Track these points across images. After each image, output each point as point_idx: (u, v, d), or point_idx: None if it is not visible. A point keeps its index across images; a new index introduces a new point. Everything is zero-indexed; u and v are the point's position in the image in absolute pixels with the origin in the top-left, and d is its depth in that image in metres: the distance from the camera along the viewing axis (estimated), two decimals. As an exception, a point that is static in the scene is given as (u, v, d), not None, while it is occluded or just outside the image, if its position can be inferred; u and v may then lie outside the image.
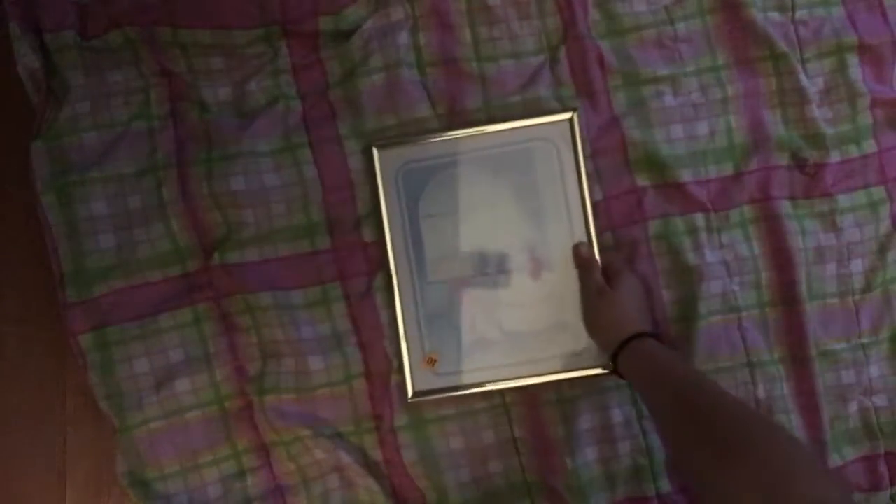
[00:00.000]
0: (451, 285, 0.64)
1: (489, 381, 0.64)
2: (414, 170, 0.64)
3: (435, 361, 0.64)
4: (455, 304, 0.64)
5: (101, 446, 0.64)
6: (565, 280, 0.64)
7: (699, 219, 0.62)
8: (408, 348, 0.63)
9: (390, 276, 0.63)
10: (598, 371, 0.63)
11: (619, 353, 0.56)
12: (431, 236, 0.64)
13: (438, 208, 0.65)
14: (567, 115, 0.63)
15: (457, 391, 0.64)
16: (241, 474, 0.61)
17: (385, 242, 0.63)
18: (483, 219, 0.65)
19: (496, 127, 0.63)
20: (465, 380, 0.64)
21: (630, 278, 0.61)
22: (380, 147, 0.63)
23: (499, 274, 0.64)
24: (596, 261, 0.63)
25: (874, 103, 0.63)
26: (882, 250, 0.62)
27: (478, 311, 0.64)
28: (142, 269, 0.60)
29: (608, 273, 0.62)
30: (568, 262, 0.64)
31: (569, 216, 0.64)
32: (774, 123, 0.63)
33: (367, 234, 0.62)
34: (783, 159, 0.63)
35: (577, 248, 0.63)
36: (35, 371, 0.65)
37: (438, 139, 0.64)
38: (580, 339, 0.63)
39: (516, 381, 0.64)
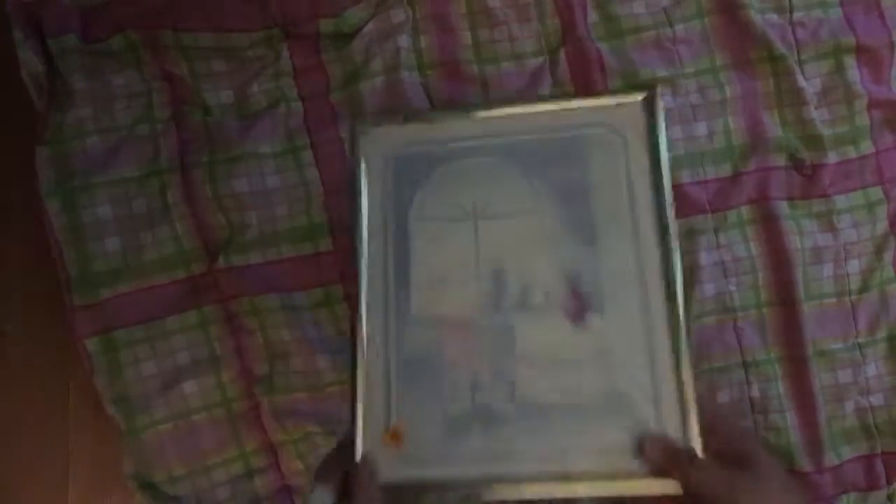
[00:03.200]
0: (444, 324, 0.45)
1: (482, 482, 0.42)
2: (412, 157, 0.48)
3: (400, 438, 0.43)
4: (445, 352, 0.44)
5: (104, 447, 0.64)
6: (623, 329, 0.43)
7: (697, 220, 0.62)
8: (364, 413, 0.44)
9: (357, 305, 0.46)
10: (670, 490, 0.41)
11: None
12: (423, 249, 0.46)
13: (438, 210, 0.47)
14: (642, 95, 0.46)
15: (428, 490, 0.43)
16: (249, 475, 0.62)
17: (357, 254, 0.46)
18: (503, 230, 0.46)
19: (538, 107, 0.47)
20: (447, 472, 0.43)
21: (768, 459, 0.42)
22: (366, 123, 0.48)
23: (519, 311, 0.44)
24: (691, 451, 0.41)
25: (872, 104, 0.63)
26: (879, 251, 0.63)
27: (480, 364, 0.44)
28: (147, 273, 0.60)
29: (719, 443, 0.43)
30: (630, 303, 0.44)
31: (635, 235, 0.44)
32: (772, 124, 0.63)
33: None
34: (781, 160, 0.63)
35: (645, 445, 0.42)
36: (38, 373, 0.65)
37: (451, 118, 0.48)
38: (642, 423, 0.42)
39: (528, 486, 0.42)
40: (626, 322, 0.44)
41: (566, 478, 0.42)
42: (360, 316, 0.45)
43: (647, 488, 0.42)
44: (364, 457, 0.44)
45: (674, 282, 0.43)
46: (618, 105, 0.47)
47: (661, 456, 0.42)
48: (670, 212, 0.44)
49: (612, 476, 0.42)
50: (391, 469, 0.43)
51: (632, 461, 0.42)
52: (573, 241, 0.46)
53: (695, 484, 0.41)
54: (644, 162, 0.46)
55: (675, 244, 0.44)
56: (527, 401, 0.44)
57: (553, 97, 0.50)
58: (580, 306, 0.45)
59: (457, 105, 0.53)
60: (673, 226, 0.44)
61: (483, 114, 0.48)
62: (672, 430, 0.43)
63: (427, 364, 0.45)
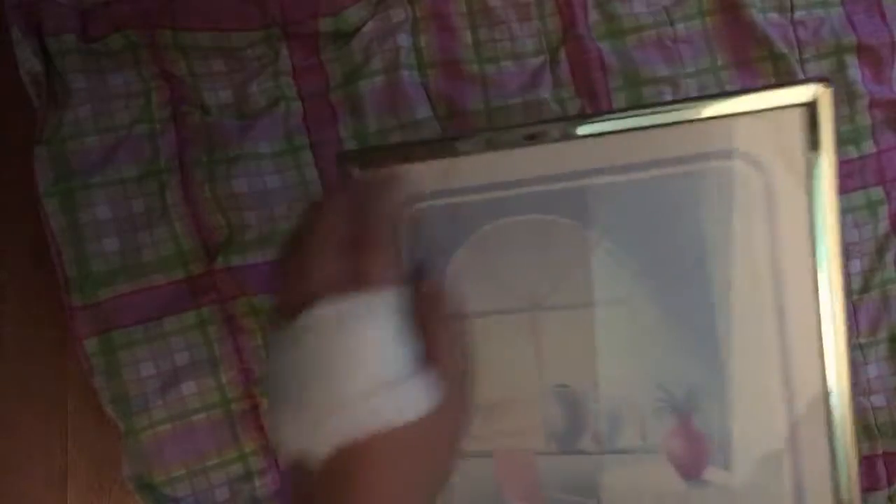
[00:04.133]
0: (498, 465, 0.32)
1: None
2: (434, 214, 0.34)
3: None
4: (505, 498, 0.32)
5: (102, 447, 0.64)
6: (762, 495, 0.29)
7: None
8: None
9: None
10: None
11: None
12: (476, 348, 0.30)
13: (478, 298, 0.33)
14: (803, 94, 0.29)
15: None
16: (249, 476, 0.61)
17: None
18: (574, 329, 0.31)
19: (618, 122, 0.31)
20: None
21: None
22: (357, 160, 0.34)
23: (602, 451, 0.31)
24: None
25: (873, 104, 0.63)
26: (880, 251, 0.63)
27: None
28: (146, 273, 0.60)
29: None
30: (771, 452, 0.29)
31: (781, 334, 0.29)
32: (773, 124, 0.63)
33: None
34: (782, 160, 0.63)
35: None
36: (36, 373, 0.65)
37: (482, 153, 0.33)
38: None
39: None
40: (764, 479, 0.28)
41: None
42: None
43: None
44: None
45: (844, 422, 0.28)
46: (761, 116, 0.29)
47: None
48: (841, 288, 0.28)
49: None
50: None
51: None
52: (684, 348, 0.29)
53: None
54: (801, 214, 0.29)
55: (844, 344, 0.28)
56: None
57: (672, 103, 0.31)
58: (695, 454, 0.30)
59: (495, 128, 0.34)
60: (846, 311, 0.28)
61: (534, 146, 0.31)
62: None
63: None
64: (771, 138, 0.29)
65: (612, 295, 0.30)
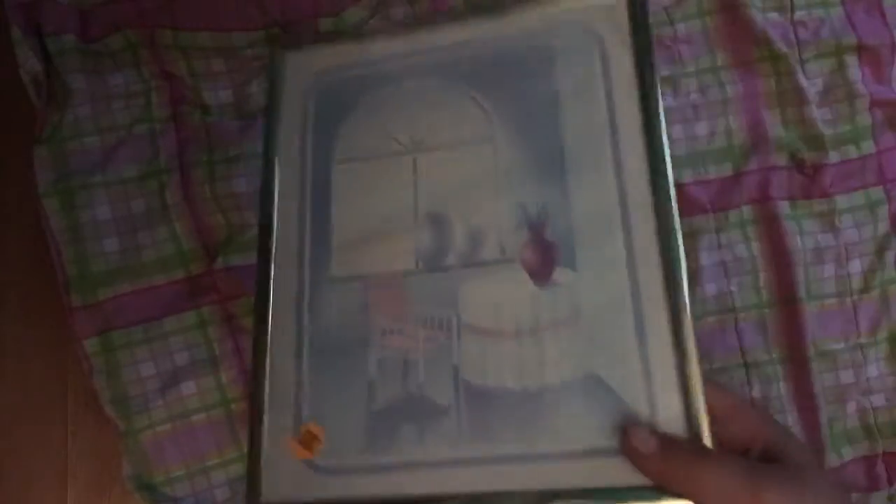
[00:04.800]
0: (369, 287, 0.36)
1: (423, 499, 0.32)
2: (337, 83, 0.39)
3: (316, 442, 0.34)
4: (370, 325, 0.35)
5: (103, 447, 0.64)
6: (603, 288, 0.33)
7: (698, 220, 0.62)
8: (266, 410, 0.35)
9: (265, 269, 0.38)
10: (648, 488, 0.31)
11: None
12: (347, 194, 0.37)
13: (366, 146, 0.38)
14: None
15: None
16: (248, 476, 0.61)
17: (266, 205, 0.38)
18: (447, 165, 0.37)
19: (490, 16, 0.37)
20: (373, 489, 0.33)
21: (804, 454, 0.34)
22: (287, 47, 0.40)
23: (465, 267, 0.35)
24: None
25: (873, 104, 0.63)
26: (880, 251, 0.63)
27: (414, 339, 0.35)
28: (146, 273, 0.60)
29: (736, 433, 0.35)
30: (611, 253, 0.34)
31: (616, 165, 0.34)
32: (773, 124, 0.63)
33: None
34: (782, 160, 0.63)
35: (632, 436, 0.31)
36: (36, 372, 0.65)
37: (386, 35, 0.39)
38: (627, 413, 0.32)
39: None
40: (606, 278, 0.33)
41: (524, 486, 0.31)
42: (268, 283, 0.36)
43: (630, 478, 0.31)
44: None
45: (670, 221, 0.33)
46: (594, 8, 0.36)
47: (654, 449, 0.31)
48: (662, 129, 0.34)
49: (585, 483, 0.31)
50: (301, 486, 0.34)
51: (605, 465, 0.31)
52: (536, 175, 0.35)
53: (703, 483, 0.31)
54: (628, 68, 0.35)
55: (668, 171, 0.33)
56: (473, 387, 0.33)
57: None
58: (546, 259, 0.34)
59: (395, 23, 0.42)
60: (666, 149, 0.34)
61: (424, 31, 0.38)
62: (670, 418, 0.32)
63: (347, 342, 0.35)
64: (603, 14, 0.36)
65: (477, 135, 0.37)
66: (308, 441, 0.34)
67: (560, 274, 0.34)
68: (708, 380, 0.33)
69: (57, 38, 0.61)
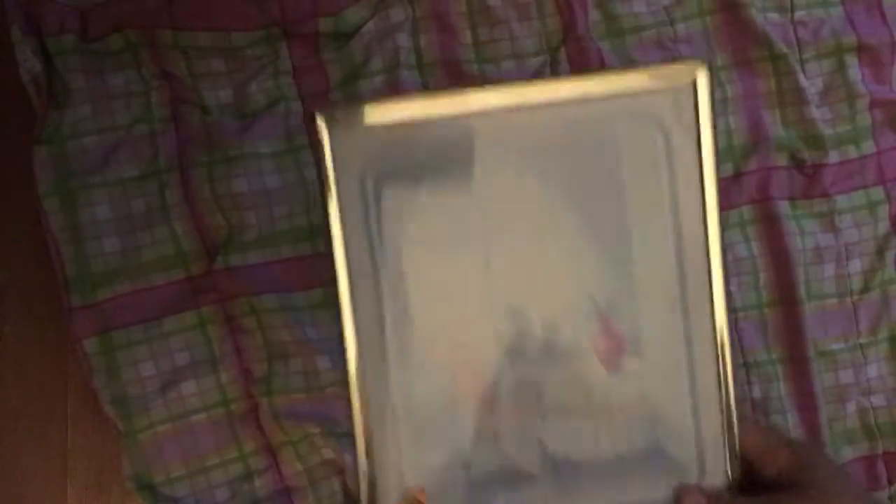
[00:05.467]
0: (457, 372, 0.39)
1: None
2: (396, 158, 0.38)
3: None
4: (460, 405, 0.38)
5: (102, 446, 0.64)
6: (665, 373, 0.38)
7: (699, 220, 0.62)
8: (371, 476, 0.38)
9: (343, 351, 0.40)
10: None
11: None
12: (421, 279, 0.39)
13: (435, 228, 0.39)
14: (688, 73, 0.37)
15: None
16: (249, 476, 0.61)
17: (338, 288, 0.40)
18: (518, 252, 0.38)
19: (555, 86, 0.38)
20: None
21: (832, 470, 0.39)
22: (328, 113, 0.38)
23: (545, 357, 0.38)
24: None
25: (873, 104, 0.63)
26: (880, 251, 0.63)
27: (503, 418, 0.38)
28: (146, 273, 0.60)
29: (769, 462, 0.38)
30: (672, 340, 0.38)
31: (678, 249, 0.37)
32: (773, 124, 0.63)
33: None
34: (782, 160, 0.63)
35: (682, 495, 0.38)
36: (36, 372, 0.65)
37: (442, 100, 0.38)
38: (684, 478, 0.38)
39: None
40: (667, 364, 0.38)
41: None
42: (351, 363, 0.39)
43: None
44: None
45: (723, 306, 0.37)
46: (661, 89, 0.37)
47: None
48: (717, 219, 0.37)
49: None
50: None
51: None
52: (603, 265, 0.38)
53: None
54: (691, 156, 0.37)
55: (723, 259, 0.36)
56: (558, 458, 0.38)
57: (576, 75, 0.41)
58: (615, 348, 0.38)
59: (448, 88, 0.43)
60: (721, 236, 0.37)
61: (483, 96, 0.38)
62: (716, 473, 0.39)
63: (440, 419, 0.38)
64: (667, 104, 0.37)
65: (546, 221, 0.38)
66: None
67: (628, 361, 0.39)
68: (745, 419, 0.38)
69: (57, 37, 0.60)
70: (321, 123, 0.39)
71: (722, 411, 0.38)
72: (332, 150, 0.39)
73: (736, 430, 0.38)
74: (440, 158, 0.39)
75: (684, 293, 0.37)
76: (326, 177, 0.39)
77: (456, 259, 0.39)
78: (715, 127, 0.37)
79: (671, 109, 0.37)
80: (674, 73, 0.37)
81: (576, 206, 0.38)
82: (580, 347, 0.38)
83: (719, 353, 0.38)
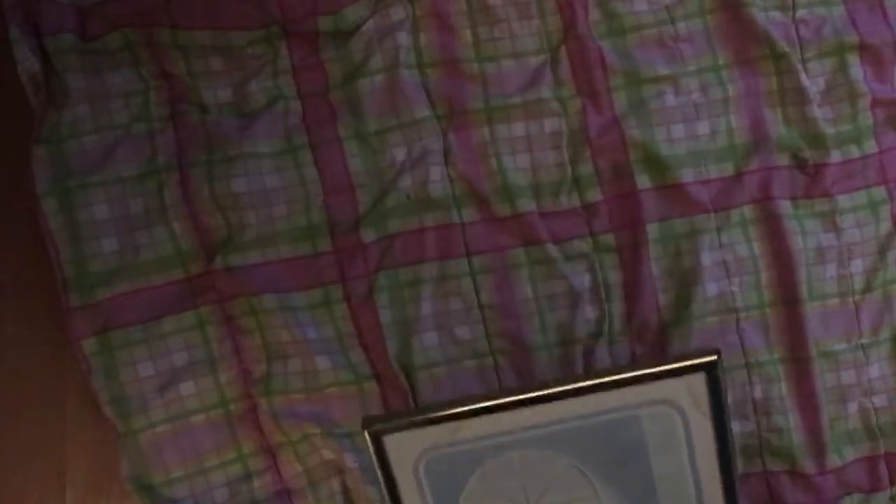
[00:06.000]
0: None
1: None
2: (443, 459, 0.46)
3: None
4: None
5: (101, 447, 0.64)
6: None
7: (699, 220, 0.62)
8: None
9: None
10: None
11: None
12: None
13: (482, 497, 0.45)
14: (702, 366, 0.43)
15: None
16: (248, 477, 0.61)
17: None
18: None
19: (580, 396, 0.44)
20: None
21: None
22: (384, 431, 0.46)
23: None
24: None
25: (875, 103, 0.63)
26: (882, 251, 0.63)
27: None
28: (145, 273, 0.60)
29: None
30: None
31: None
32: (775, 123, 0.63)
33: (367, 235, 0.62)
34: (784, 159, 0.63)
35: None
36: (35, 372, 0.65)
37: (476, 418, 0.45)
38: None
39: None
40: None
41: None
42: None
43: None
44: None
45: None
46: (676, 380, 0.43)
47: None
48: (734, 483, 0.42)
49: None
50: None
51: None
52: None
53: None
54: (708, 434, 0.43)
55: None
56: None
57: (597, 374, 0.44)
58: None
59: (479, 398, 0.47)
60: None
61: (514, 411, 0.45)
62: None
63: None
64: (684, 390, 0.43)
65: (582, 496, 0.45)
66: None
67: None
68: None
69: (55, 37, 0.60)
70: (376, 437, 0.46)
71: None
72: (389, 458, 0.47)
73: None
74: (484, 454, 0.46)
75: None
76: (387, 477, 0.48)
77: None
78: (727, 406, 0.43)
79: (687, 394, 0.43)
80: (688, 364, 0.44)
81: (606, 480, 0.44)
82: None
83: None
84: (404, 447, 0.46)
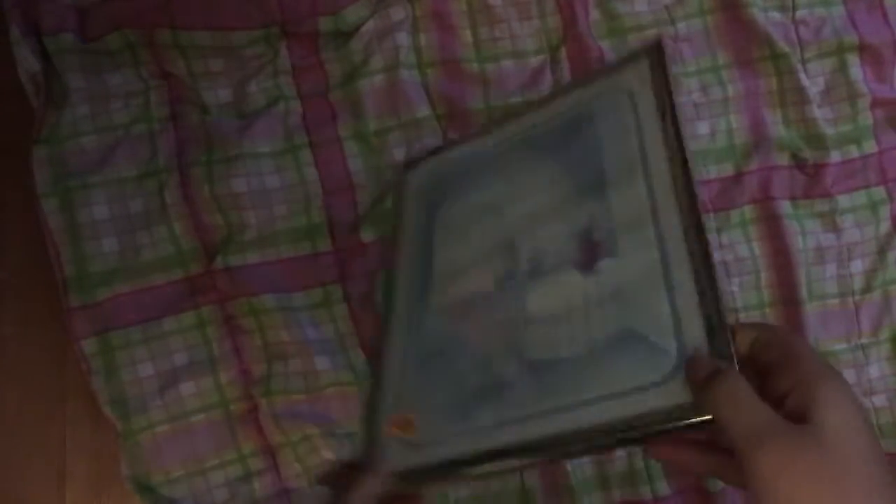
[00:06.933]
0: (459, 310, 0.45)
1: (499, 454, 0.38)
2: (439, 179, 0.52)
3: (411, 425, 0.42)
4: (460, 338, 0.44)
5: (101, 447, 0.64)
6: (638, 265, 0.39)
7: (700, 220, 0.62)
8: (374, 404, 0.44)
9: (389, 301, 0.48)
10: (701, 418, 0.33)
11: None
12: (443, 247, 0.48)
13: (459, 212, 0.48)
14: (646, 51, 0.44)
15: (443, 475, 0.40)
16: (248, 477, 0.61)
17: (396, 275, 0.49)
18: (520, 211, 0.46)
19: (551, 106, 0.47)
20: (456, 450, 0.40)
21: (845, 407, 0.29)
22: (410, 167, 0.53)
23: (529, 280, 0.42)
24: (736, 374, 0.32)
25: (875, 103, 0.63)
26: (882, 251, 0.63)
27: (494, 341, 0.42)
28: (145, 273, 0.60)
29: (778, 386, 0.31)
30: (644, 239, 0.39)
31: (646, 177, 0.41)
32: (775, 123, 0.63)
33: (366, 236, 0.62)
34: (784, 159, 0.63)
35: (690, 364, 0.34)
36: (35, 372, 0.65)
37: (472, 143, 0.51)
38: (665, 359, 0.35)
39: (546, 453, 0.38)
40: (640, 257, 0.39)
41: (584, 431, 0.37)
42: (390, 313, 0.47)
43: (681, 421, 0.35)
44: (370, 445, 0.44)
45: (692, 202, 0.38)
46: (628, 68, 0.44)
47: (702, 372, 0.33)
48: (685, 140, 0.40)
49: (636, 415, 0.35)
50: (399, 457, 0.41)
51: (656, 396, 0.35)
52: (586, 199, 0.42)
53: (713, 409, 0.31)
54: (652, 105, 0.42)
55: (690, 173, 0.39)
56: (533, 362, 0.40)
57: (563, 88, 0.49)
58: (591, 255, 0.41)
59: (477, 128, 0.54)
60: (689, 153, 0.39)
61: (495, 131, 0.50)
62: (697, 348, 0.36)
63: (443, 353, 0.44)
64: (634, 76, 0.44)
65: (543, 184, 0.46)
66: (403, 425, 0.42)
67: (604, 263, 0.41)
68: (741, 324, 0.37)
69: (55, 37, 0.60)
70: (402, 174, 0.54)
71: (698, 293, 0.37)
72: (405, 191, 0.53)
73: (716, 311, 0.36)
74: (465, 171, 0.50)
75: (655, 205, 0.40)
76: (401, 213, 0.53)
77: (469, 227, 0.48)
78: (670, 80, 0.43)
79: (635, 75, 0.44)
80: (633, 53, 0.45)
81: (565, 165, 0.45)
82: (560, 263, 0.42)
83: (691, 245, 0.38)
84: (415, 178, 0.53)
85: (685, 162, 0.40)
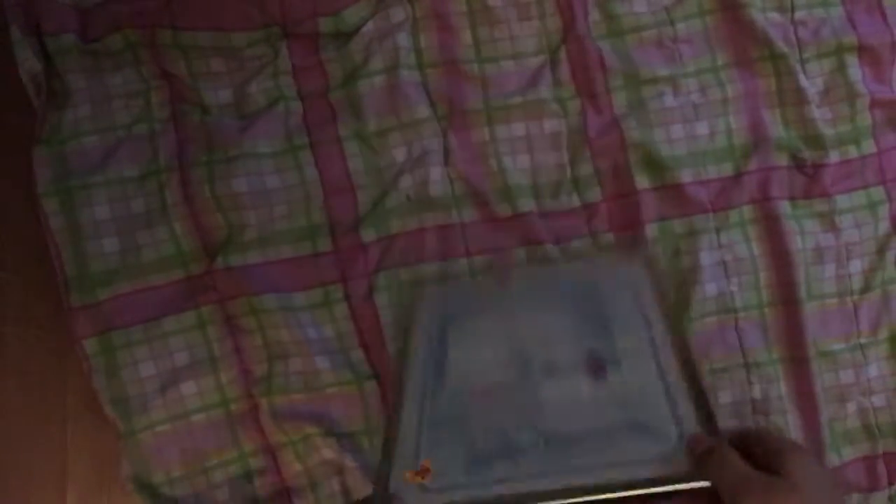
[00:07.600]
0: (476, 390, 0.52)
1: (513, 500, 0.46)
2: (453, 300, 0.58)
3: (427, 472, 0.48)
4: (474, 409, 0.51)
5: (102, 446, 0.64)
6: (639, 376, 0.51)
7: (698, 220, 0.62)
8: (396, 456, 0.49)
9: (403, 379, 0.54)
10: (698, 484, 0.44)
11: None
12: (458, 344, 0.55)
13: (473, 327, 0.56)
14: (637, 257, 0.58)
15: None
16: (248, 476, 0.61)
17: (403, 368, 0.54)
18: (528, 324, 0.55)
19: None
20: (470, 494, 0.47)
21: (806, 462, 0.43)
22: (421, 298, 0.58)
23: (544, 378, 0.52)
24: (726, 446, 0.45)
25: (873, 104, 0.63)
26: (881, 251, 0.63)
27: (507, 415, 0.50)
28: (146, 273, 0.60)
29: (756, 450, 0.45)
30: (642, 354, 0.52)
31: (646, 320, 0.54)
32: (774, 124, 0.63)
33: (367, 236, 0.62)
34: (783, 160, 0.63)
35: (691, 440, 0.48)
36: (36, 371, 0.65)
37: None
38: (664, 437, 0.48)
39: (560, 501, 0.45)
40: (640, 370, 0.51)
41: (594, 491, 0.45)
42: (403, 388, 0.53)
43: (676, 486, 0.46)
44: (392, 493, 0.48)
45: (686, 349, 0.52)
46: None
47: (700, 447, 0.46)
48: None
49: (636, 482, 0.45)
50: (417, 499, 0.47)
51: (657, 467, 0.46)
52: (588, 327, 0.54)
53: (708, 473, 0.44)
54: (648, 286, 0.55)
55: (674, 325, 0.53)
56: (549, 430, 0.49)
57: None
58: (599, 366, 0.52)
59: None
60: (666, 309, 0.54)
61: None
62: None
63: (459, 419, 0.51)
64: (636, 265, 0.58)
65: (542, 309, 0.57)
66: (421, 473, 0.48)
67: (610, 374, 0.52)
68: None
69: (56, 37, 0.60)
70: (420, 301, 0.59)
71: (691, 391, 0.50)
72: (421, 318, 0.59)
73: (712, 400, 0.50)
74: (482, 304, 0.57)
75: (651, 336, 0.52)
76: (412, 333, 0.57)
77: (483, 332, 0.55)
78: (661, 273, 0.55)
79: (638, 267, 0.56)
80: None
81: (572, 306, 0.55)
82: (570, 368, 0.52)
83: (681, 357, 0.52)
84: (430, 309, 0.58)
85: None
